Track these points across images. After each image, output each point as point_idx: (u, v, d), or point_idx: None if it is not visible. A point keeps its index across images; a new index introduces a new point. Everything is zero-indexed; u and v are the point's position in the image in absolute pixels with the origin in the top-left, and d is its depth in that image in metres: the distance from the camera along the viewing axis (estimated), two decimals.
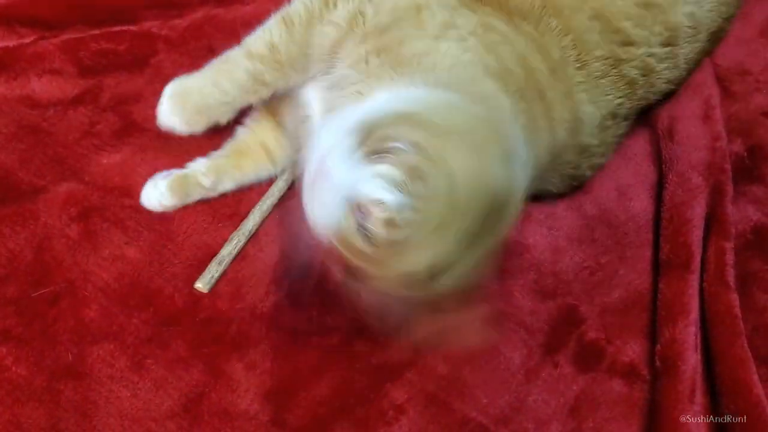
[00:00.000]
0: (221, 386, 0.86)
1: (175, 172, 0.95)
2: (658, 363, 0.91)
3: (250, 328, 0.89)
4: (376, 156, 0.63)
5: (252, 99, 0.93)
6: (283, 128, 0.98)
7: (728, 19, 1.07)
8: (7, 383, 0.83)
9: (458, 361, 0.91)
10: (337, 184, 0.63)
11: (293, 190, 0.98)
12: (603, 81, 0.91)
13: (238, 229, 0.95)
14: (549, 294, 0.97)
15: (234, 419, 0.85)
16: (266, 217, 0.97)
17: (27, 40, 1.06)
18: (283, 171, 0.99)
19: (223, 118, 0.93)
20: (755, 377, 0.87)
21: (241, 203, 0.98)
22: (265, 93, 0.92)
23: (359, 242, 0.62)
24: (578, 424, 0.89)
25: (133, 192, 0.96)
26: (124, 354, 0.87)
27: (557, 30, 0.88)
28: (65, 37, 1.07)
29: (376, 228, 0.61)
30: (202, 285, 0.90)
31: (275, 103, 0.96)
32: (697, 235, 0.97)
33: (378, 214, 0.61)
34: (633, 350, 0.94)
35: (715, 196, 1.01)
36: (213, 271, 0.91)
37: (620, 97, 0.94)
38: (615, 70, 0.91)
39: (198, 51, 1.09)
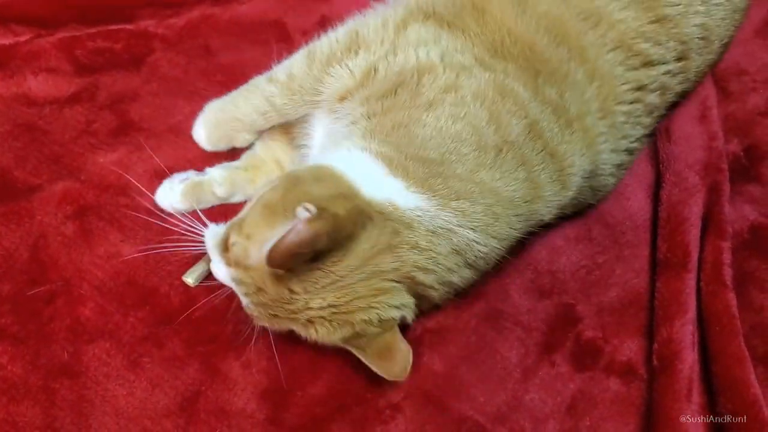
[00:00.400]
0: (217, 385, 0.86)
1: (192, 177, 0.96)
2: (655, 362, 0.91)
3: (246, 326, 0.88)
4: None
5: (263, 122, 0.95)
6: (293, 148, 1.00)
7: (738, 27, 1.07)
8: (3, 382, 0.83)
9: (455, 360, 0.91)
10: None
11: None
12: (626, 125, 0.93)
13: None
14: (546, 293, 0.97)
15: (230, 418, 0.85)
16: None
17: (23, 39, 1.06)
18: None
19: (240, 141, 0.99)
20: (752, 376, 0.87)
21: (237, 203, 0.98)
22: (275, 117, 0.94)
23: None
24: (575, 422, 0.89)
25: (129, 191, 0.95)
26: (120, 352, 0.86)
27: (582, 81, 0.88)
28: (61, 35, 1.07)
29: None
30: (192, 280, 0.90)
31: (289, 124, 0.98)
32: (694, 234, 0.98)
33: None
34: (630, 349, 0.94)
35: (712, 195, 1.02)
36: (201, 268, 0.91)
37: (638, 135, 0.96)
38: (639, 104, 0.93)
39: (194, 50, 1.09)
